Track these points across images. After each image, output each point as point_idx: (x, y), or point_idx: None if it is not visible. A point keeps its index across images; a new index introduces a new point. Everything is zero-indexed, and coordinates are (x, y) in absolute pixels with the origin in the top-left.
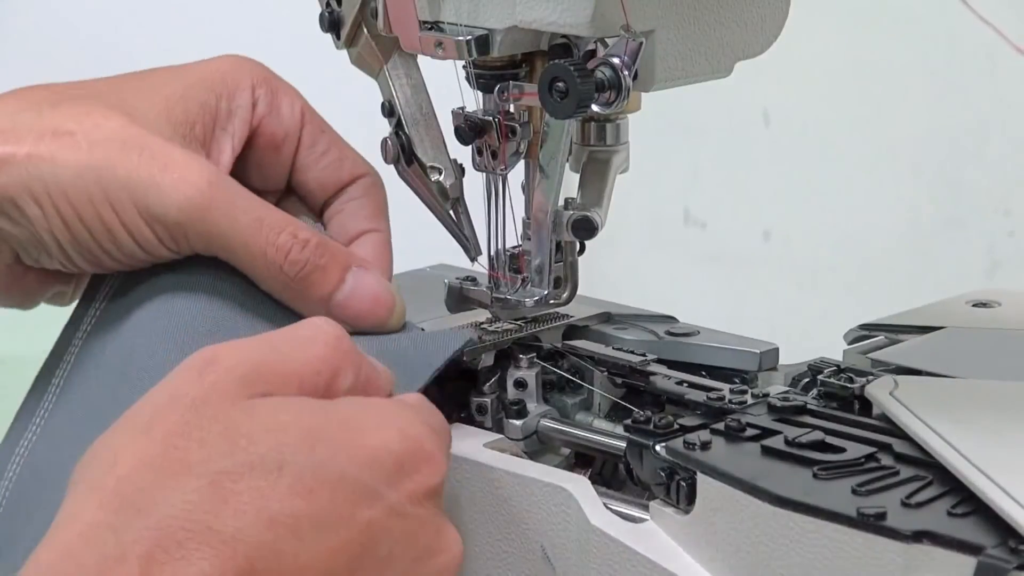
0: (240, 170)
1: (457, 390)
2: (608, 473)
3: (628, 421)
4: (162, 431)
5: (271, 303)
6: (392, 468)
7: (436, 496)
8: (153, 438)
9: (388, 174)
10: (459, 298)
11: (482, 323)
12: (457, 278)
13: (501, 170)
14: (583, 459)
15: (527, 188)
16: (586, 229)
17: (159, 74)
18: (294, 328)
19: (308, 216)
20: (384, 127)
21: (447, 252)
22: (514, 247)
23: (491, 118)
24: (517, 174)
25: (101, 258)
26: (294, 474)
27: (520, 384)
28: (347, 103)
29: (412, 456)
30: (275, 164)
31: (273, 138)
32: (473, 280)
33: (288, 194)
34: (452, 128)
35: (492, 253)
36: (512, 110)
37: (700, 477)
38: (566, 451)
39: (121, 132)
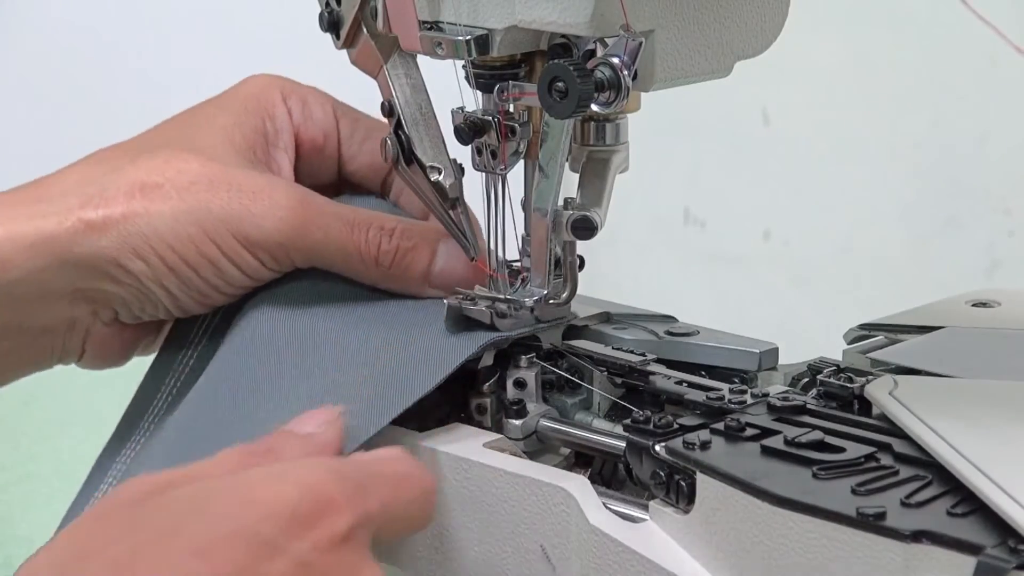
0: (296, 178)
1: (457, 390)
2: (608, 473)
3: (628, 421)
4: (77, 535)
5: (363, 298)
6: (291, 519)
7: (349, 541)
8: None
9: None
10: (458, 318)
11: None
12: (456, 297)
13: (501, 170)
14: (583, 459)
15: (526, 192)
16: (586, 229)
17: (205, 109)
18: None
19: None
20: (384, 127)
21: None
22: (514, 261)
23: (491, 118)
24: (517, 176)
25: (210, 295)
26: (189, 536)
27: (520, 384)
28: (347, 103)
29: (312, 505)
30: (323, 163)
31: (314, 142)
32: (472, 300)
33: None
34: (452, 128)
35: (490, 252)
36: (512, 110)
37: (700, 477)
38: (566, 451)
39: (204, 172)
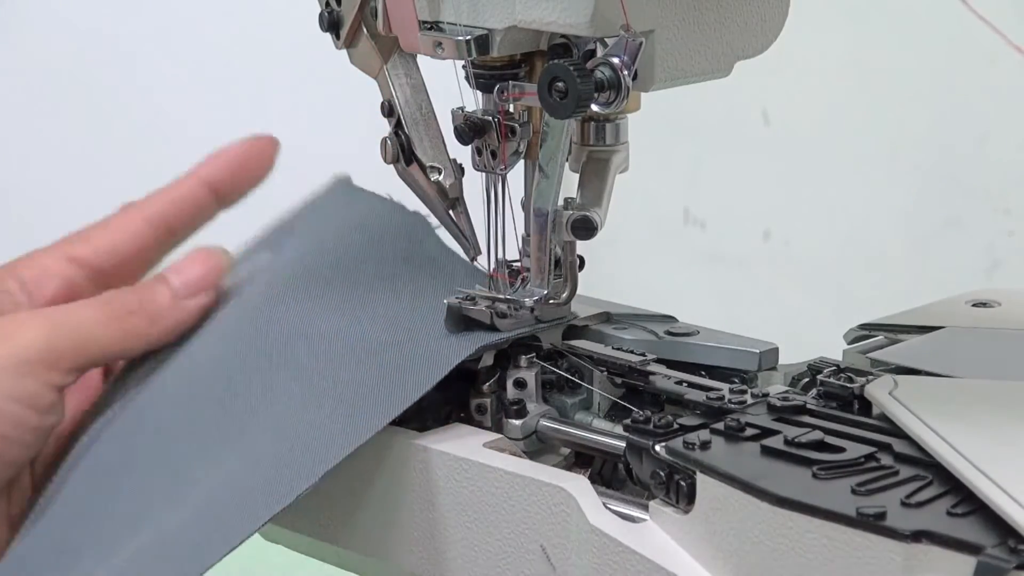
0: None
1: (457, 390)
2: (608, 473)
3: (628, 421)
4: None
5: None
6: None
7: None
8: None
9: (388, 174)
10: (458, 318)
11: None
12: (456, 297)
13: (501, 170)
14: (583, 459)
15: (526, 192)
16: (586, 229)
17: None
18: None
19: None
20: (384, 127)
21: None
22: (514, 261)
23: (491, 118)
24: (517, 176)
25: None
26: None
27: (520, 384)
28: (347, 103)
29: None
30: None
31: (57, 296)
32: (472, 300)
33: None
34: (452, 128)
35: (490, 252)
36: (512, 110)
37: (700, 477)
38: (566, 451)
39: None
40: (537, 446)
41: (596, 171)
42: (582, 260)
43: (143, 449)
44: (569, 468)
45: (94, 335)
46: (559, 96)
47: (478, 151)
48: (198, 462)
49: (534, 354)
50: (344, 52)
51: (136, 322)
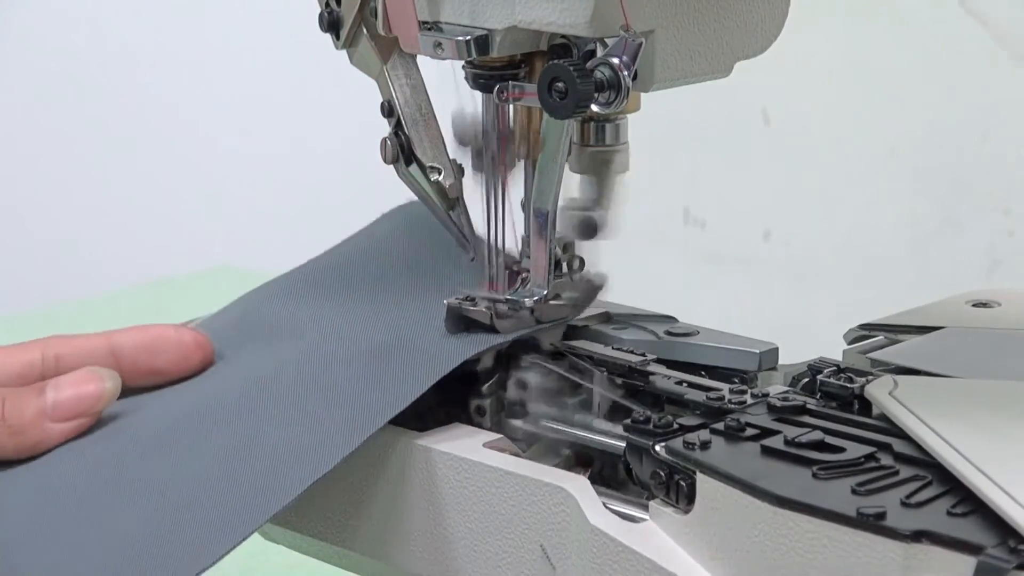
0: None
1: (456, 390)
2: (608, 473)
3: (628, 421)
4: None
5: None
6: None
7: None
8: None
9: (388, 174)
10: (458, 319)
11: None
12: (456, 298)
13: (500, 171)
14: (583, 459)
15: (526, 192)
16: (588, 229)
17: None
18: None
19: None
20: (384, 127)
21: None
22: (515, 262)
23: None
24: (517, 176)
25: None
26: None
27: (520, 384)
28: (347, 103)
29: None
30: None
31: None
32: (472, 300)
33: None
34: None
35: (490, 253)
36: (512, 110)
37: (700, 477)
38: (566, 451)
39: None
40: (537, 446)
41: (596, 172)
42: (581, 261)
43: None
44: (569, 468)
45: None
46: (559, 96)
47: (477, 153)
48: (192, 446)
49: (534, 354)
50: (344, 52)
51: None
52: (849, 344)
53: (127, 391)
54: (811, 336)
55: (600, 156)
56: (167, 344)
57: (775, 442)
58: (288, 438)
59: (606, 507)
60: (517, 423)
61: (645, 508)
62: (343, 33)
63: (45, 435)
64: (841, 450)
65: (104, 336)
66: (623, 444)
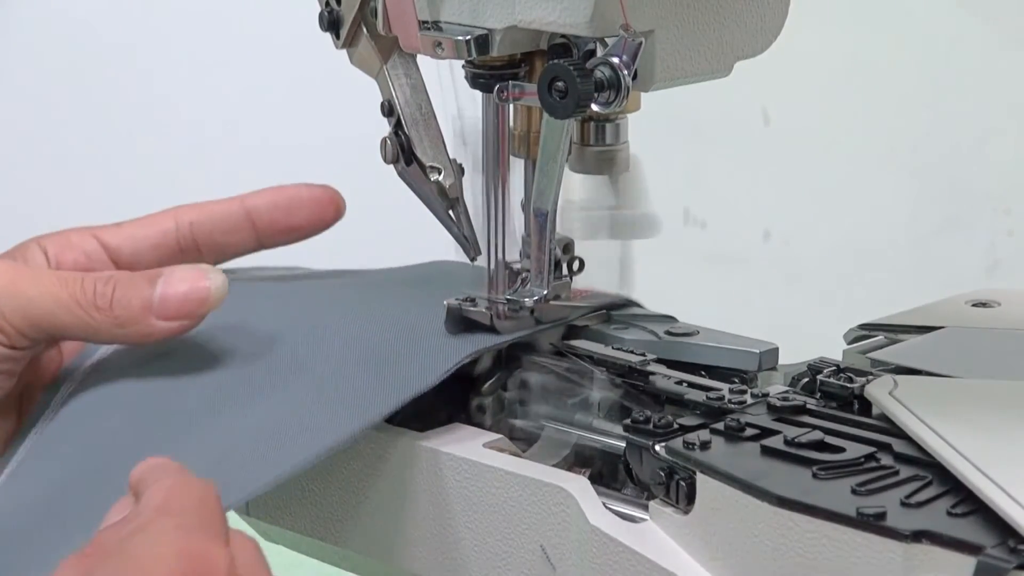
0: None
1: (457, 391)
2: (608, 473)
3: (628, 421)
4: None
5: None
6: None
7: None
8: None
9: (388, 174)
10: (458, 320)
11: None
12: (456, 299)
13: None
14: (583, 459)
15: (526, 192)
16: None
17: None
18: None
19: None
20: (384, 127)
21: (447, 252)
22: (514, 262)
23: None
24: (517, 175)
25: None
26: None
27: (520, 384)
28: (347, 103)
29: (182, 571)
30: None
31: (76, 262)
32: (472, 301)
33: None
34: (451, 129)
35: (490, 252)
36: (512, 110)
37: (700, 477)
38: (566, 451)
39: None
40: (537, 446)
41: (596, 171)
42: (581, 262)
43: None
44: (569, 468)
45: (48, 312)
46: (559, 96)
47: None
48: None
49: (534, 354)
50: (344, 52)
51: (100, 319)
52: (849, 344)
53: (262, 255)
54: (811, 336)
55: (600, 156)
56: (302, 202)
57: (775, 442)
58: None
59: (606, 507)
60: (518, 423)
61: (645, 508)
62: (343, 33)
63: (150, 330)
64: (841, 450)
65: (237, 199)
66: (623, 444)
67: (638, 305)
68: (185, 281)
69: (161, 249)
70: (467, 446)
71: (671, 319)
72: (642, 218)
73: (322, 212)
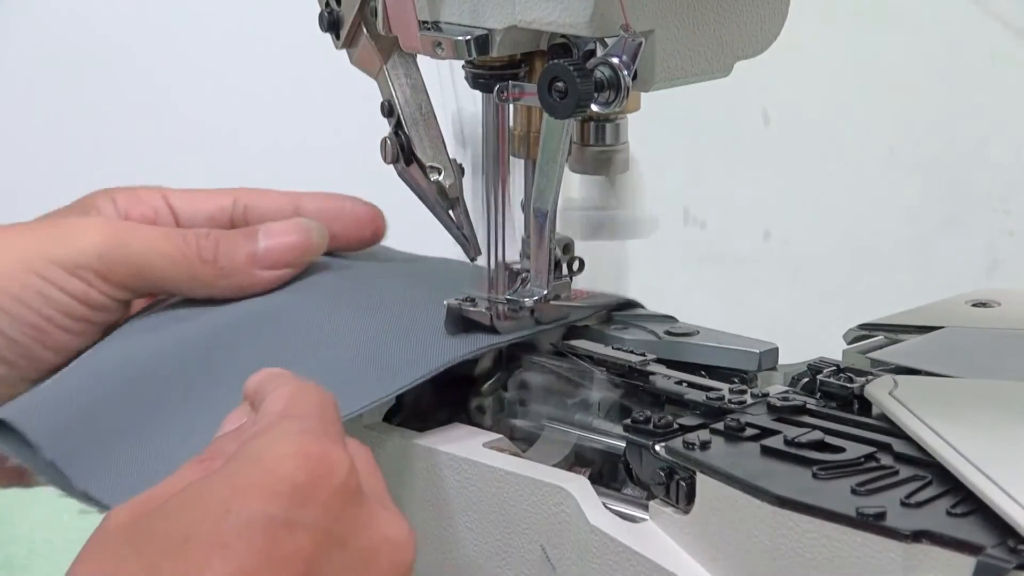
0: None
1: (457, 391)
2: (608, 473)
3: (628, 421)
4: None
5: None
6: (293, 492)
7: (351, 492)
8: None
9: (388, 174)
10: (458, 320)
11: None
12: (456, 299)
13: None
14: (583, 459)
15: (526, 192)
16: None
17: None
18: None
19: None
20: (384, 127)
21: (447, 252)
22: (514, 262)
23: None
24: (517, 176)
25: (47, 329)
26: (202, 538)
27: (520, 384)
28: (347, 103)
29: (305, 470)
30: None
31: (144, 216)
32: (472, 301)
33: None
34: (451, 129)
35: (490, 252)
36: (512, 110)
37: (699, 477)
38: (566, 451)
39: (12, 225)
40: (537, 446)
41: (596, 171)
42: (581, 262)
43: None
44: (569, 468)
45: (154, 265)
46: (559, 96)
47: None
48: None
49: (534, 354)
50: (344, 52)
51: (205, 271)
52: (849, 344)
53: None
54: (811, 336)
55: (600, 156)
56: (343, 213)
57: (775, 442)
58: None
59: (606, 507)
60: (518, 423)
61: (645, 508)
62: (343, 33)
63: (253, 280)
64: (841, 450)
65: (291, 195)
66: (623, 444)
67: (640, 305)
68: (288, 233)
69: (213, 222)
70: (467, 446)
71: (671, 319)
72: (642, 218)
73: (360, 229)
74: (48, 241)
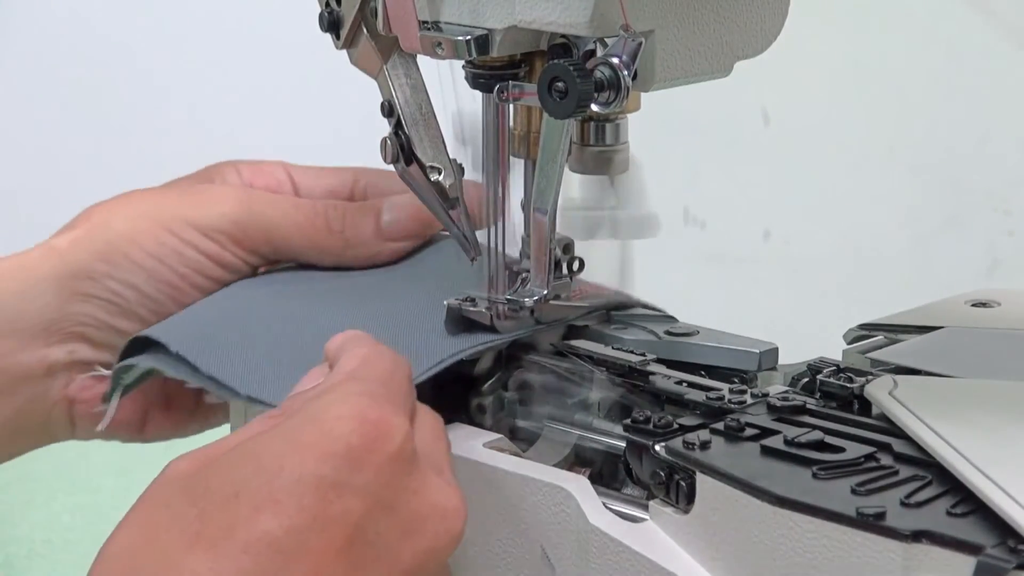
0: None
1: (455, 390)
2: (608, 473)
3: (628, 421)
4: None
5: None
6: (347, 453)
7: (404, 459)
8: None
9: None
10: (458, 319)
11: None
12: (456, 299)
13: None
14: (583, 459)
15: (526, 192)
16: (586, 229)
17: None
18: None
19: None
20: (384, 127)
21: None
22: (515, 262)
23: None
24: (517, 176)
25: (181, 287)
26: (252, 494)
27: (520, 384)
28: (347, 103)
29: (362, 433)
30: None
31: (268, 188)
32: (472, 301)
33: None
34: (451, 129)
35: (490, 252)
36: (512, 110)
37: (699, 477)
38: (566, 451)
39: (148, 189)
40: (537, 446)
41: (596, 171)
42: (581, 262)
43: None
44: (569, 468)
45: (285, 234)
46: (559, 96)
47: None
48: None
49: (534, 354)
50: (344, 52)
51: (331, 242)
52: (849, 344)
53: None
54: (811, 336)
55: (600, 156)
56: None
57: (775, 442)
58: None
59: (606, 507)
60: (518, 423)
61: (645, 508)
62: (343, 33)
63: (378, 249)
64: (841, 450)
65: (409, 195)
66: (623, 444)
67: (642, 305)
68: (411, 206)
69: (333, 195)
70: (467, 446)
71: (671, 319)
72: (642, 218)
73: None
74: (185, 205)
